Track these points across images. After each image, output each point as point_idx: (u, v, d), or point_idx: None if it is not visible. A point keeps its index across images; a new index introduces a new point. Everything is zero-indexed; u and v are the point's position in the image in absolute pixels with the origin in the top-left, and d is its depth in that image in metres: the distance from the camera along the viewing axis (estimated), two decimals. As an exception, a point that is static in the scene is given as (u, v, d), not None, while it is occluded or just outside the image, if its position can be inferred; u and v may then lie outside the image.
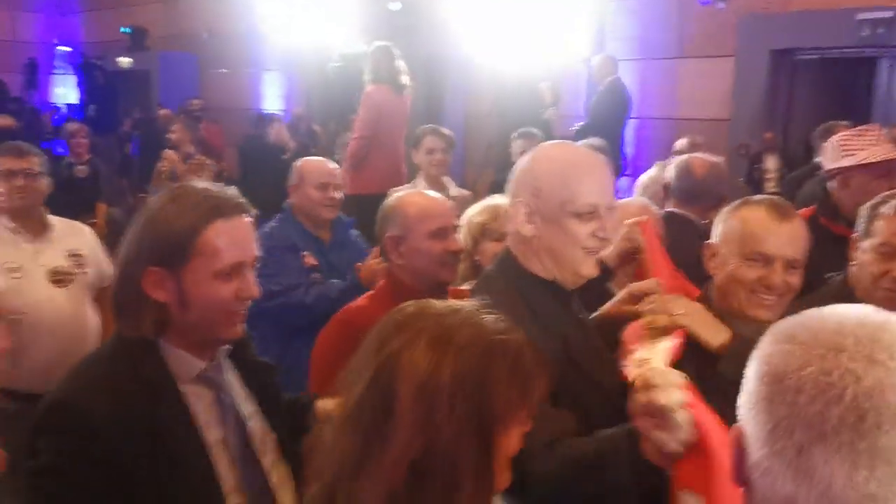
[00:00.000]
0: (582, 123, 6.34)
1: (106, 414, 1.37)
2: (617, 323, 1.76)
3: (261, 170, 7.27)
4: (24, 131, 9.07)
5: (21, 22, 14.05)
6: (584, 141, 4.02)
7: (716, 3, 7.93)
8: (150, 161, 6.26)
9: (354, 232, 3.53)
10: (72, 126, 6.91)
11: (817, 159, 4.52)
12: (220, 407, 1.54)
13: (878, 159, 2.80)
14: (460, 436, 1.05)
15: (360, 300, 2.44)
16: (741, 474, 0.85)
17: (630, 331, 1.70)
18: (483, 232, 2.56)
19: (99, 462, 1.35)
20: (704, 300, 1.85)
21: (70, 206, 4.74)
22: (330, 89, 6.47)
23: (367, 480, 1.05)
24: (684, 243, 2.48)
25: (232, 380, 1.61)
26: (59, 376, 3.04)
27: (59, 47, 14.17)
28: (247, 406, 1.61)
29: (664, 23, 8.49)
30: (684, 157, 3.30)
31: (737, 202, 1.91)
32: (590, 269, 1.70)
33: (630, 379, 1.37)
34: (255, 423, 1.60)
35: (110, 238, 7.44)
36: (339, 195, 3.37)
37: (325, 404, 1.56)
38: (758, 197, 1.92)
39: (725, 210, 1.91)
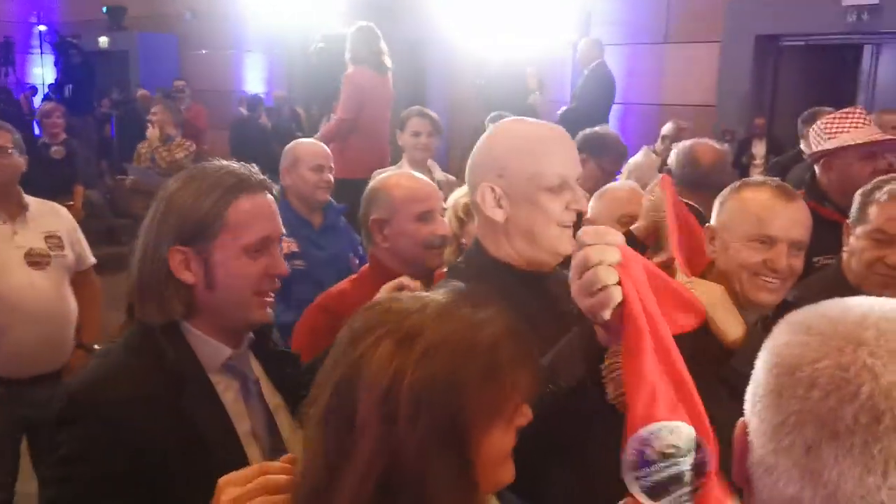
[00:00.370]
0: (566, 108, 6.29)
1: (131, 401, 1.33)
2: None
3: (253, 152, 7.21)
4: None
5: (-2, 0, 13.80)
6: (592, 129, 3.87)
7: (702, -13, 7.92)
8: (129, 142, 6.16)
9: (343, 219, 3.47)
10: (47, 106, 6.75)
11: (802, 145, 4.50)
12: (247, 397, 1.49)
13: (862, 141, 2.78)
14: (427, 447, 0.96)
15: (342, 284, 2.38)
16: (742, 472, 0.78)
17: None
18: (469, 213, 2.50)
19: (125, 451, 1.30)
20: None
21: (46, 187, 4.62)
22: (312, 71, 6.37)
23: (334, 499, 0.97)
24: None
25: (257, 369, 1.55)
26: (39, 361, 2.95)
27: (36, 26, 13.93)
28: (272, 398, 1.55)
29: (650, 8, 8.46)
30: (687, 143, 3.21)
31: (736, 184, 1.85)
32: (567, 246, 1.59)
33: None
34: (282, 416, 1.54)
35: (88, 221, 7.35)
36: (332, 178, 3.33)
37: None
38: (758, 178, 1.86)
39: (725, 192, 1.85)
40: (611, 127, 7.74)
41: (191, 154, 5.87)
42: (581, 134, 3.81)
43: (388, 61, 5.14)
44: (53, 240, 3.08)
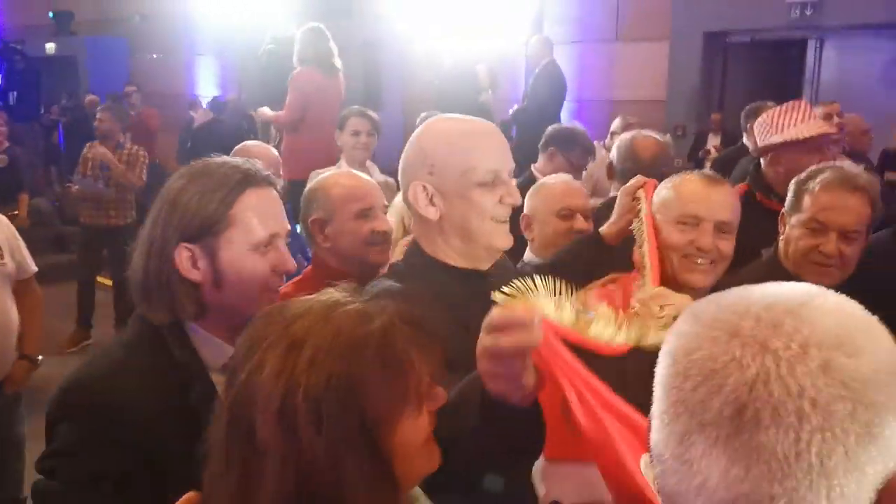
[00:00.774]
0: (518, 107, 6.31)
1: (131, 394, 1.29)
2: None
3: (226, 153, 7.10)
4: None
5: (-61, 6, 13.41)
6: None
7: (651, -14, 8.02)
8: (78, 149, 6.00)
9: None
10: (-13, 114, 6.58)
11: (745, 139, 4.57)
12: None
13: (808, 135, 2.82)
14: (337, 453, 0.94)
15: (286, 287, 2.34)
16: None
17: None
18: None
19: (123, 446, 1.26)
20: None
21: (-12, 196, 4.50)
22: (262, 73, 6.30)
23: None
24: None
25: None
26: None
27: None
28: None
29: (601, 6, 8.55)
30: (628, 136, 3.17)
31: (672, 176, 1.91)
32: (503, 241, 1.60)
33: None
34: None
35: (35, 229, 7.18)
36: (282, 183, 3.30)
37: None
38: (690, 172, 1.91)
39: (663, 184, 1.90)
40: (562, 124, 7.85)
41: (146, 166, 5.76)
42: (550, 129, 3.89)
43: (337, 62, 5.10)
44: (-8, 249, 3.00)
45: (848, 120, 5.14)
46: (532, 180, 3.63)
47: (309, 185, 2.35)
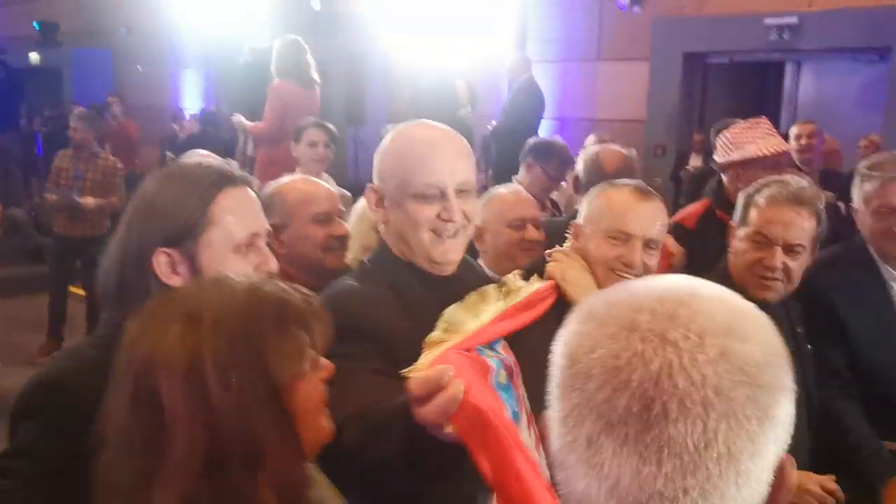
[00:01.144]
0: (496, 123, 6.34)
1: (100, 392, 1.23)
2: None
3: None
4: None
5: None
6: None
7: (632, 7, 8.09)
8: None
9: None
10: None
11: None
12: None
13: (767, 153, 2.86)
14: (247, 409, 0.98)
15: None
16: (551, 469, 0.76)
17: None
18: None
19: (86, 447, 1.24)
20: None
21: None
22: (240, 85, 6.31)
23: (157, 497, 0.95)
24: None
25: None
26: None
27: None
28: None
29: (584, 26, 8.62)
30: (593, 149, 3.23)
31: (602, 184, 1.92)
32: (440, 255, 1.56)
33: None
34: None
35: (12, 240, 7.13)
36: None
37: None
38: (623, 180, 1.92)
39: (592, 191, 1.92)
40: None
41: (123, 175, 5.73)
42: (530, 140, 3.95)
43: (315, 75, 5.11)
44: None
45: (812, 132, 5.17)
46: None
47: (265, 191, 2.35)
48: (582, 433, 0.69)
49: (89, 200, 5.34)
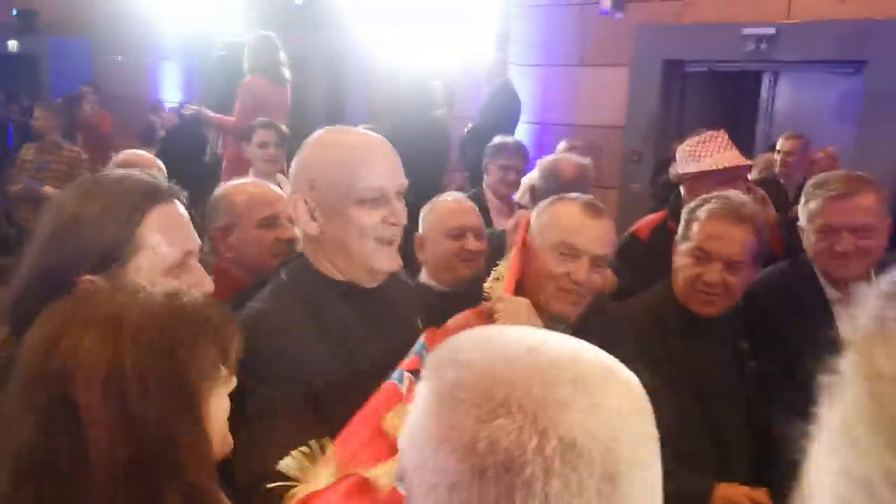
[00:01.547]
0: (472, 125, 6.34)
1: None
2: None
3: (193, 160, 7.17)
4: None
5: None
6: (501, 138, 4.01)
7: (614, 13, 8.10)
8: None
9: None
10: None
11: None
12: None
13: (721, 166, 2.86)
14: (166, 415, 0.99)
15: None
16: None
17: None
18: None
19: None
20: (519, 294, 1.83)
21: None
22: (213, 80, 6.27)
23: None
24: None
25: None
26: None
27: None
28: None
29: (565, 31, 8.62)
30: (549, 158, 3.28)
31: (552, 198, 1.91)
32: (385, 263, 1.54)
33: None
34: None
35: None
36: None
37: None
38: (572, 195, 1.91)
39: (541, 204, 1.91)
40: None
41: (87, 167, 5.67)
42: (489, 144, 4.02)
43: (287, 72, 5.10)
44: None
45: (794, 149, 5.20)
46: (481, 197, 3.67)
47: (214, 193, 2.33)
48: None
49: (49, 190, 5.29)
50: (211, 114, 5.19)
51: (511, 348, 0.71)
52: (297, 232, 2.30)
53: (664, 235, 2.90)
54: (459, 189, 6.13)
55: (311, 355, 1.44)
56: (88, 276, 1.25)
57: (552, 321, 1.80)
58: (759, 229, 2.04)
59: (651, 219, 3.12)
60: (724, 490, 1.93)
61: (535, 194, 3.21)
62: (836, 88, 7.57)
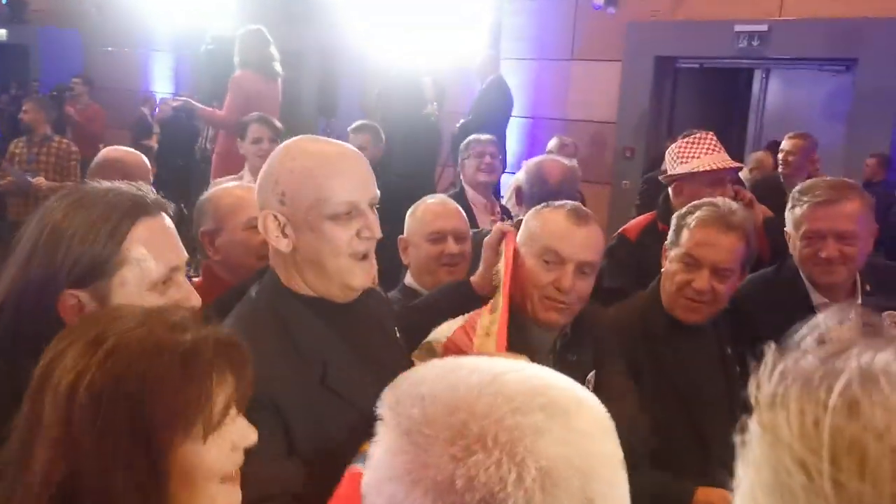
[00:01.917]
0: (463, 121, 6.34)
1: None
2: None
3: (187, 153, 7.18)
4: None
5: None
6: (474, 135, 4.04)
7: (606, 8, 8.09)
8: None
9: None
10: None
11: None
12: None
13: (708, 168, 2.87)
14: (107, 452, 0.92)
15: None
16: None
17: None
18: None
19: None
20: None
21: None
22: (203, 73, 6.25)
23: None
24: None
25: None
26: None
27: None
28: None
29: (558, 25, 8.62)
30: (535, 160, 3.22)
31: (540, 205, 1.91)
32: (359, 279, 1.48)
33: None
34: None
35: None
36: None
37: None
38: (560, 202, 1.91)
39: (530, 212, 1.90)
40: (515, 140, 7.89)
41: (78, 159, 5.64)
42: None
43: (278, 67, 5.08)
44: None
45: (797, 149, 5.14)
46: (462, 196, 3.66)
47: (201, 196, 2.32)
48: None
49: (42, 181, 5.27)
50: (199, 106, 5.14)
51: (475, 378, 0.70)
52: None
53: (653, 236, 2.91)
54: (451, 184, 6.13)
55: (280, 376, 1.38)
56: (71, 291, 1.23)
57: (540, 331, 1.80)
58: (749, 236, 2.05)
59: (640, 219, 3.12)
60: (705, 494, 1.95)
61: (522, 196, 3.19)
62: (826, 86, 7.61)
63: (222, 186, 2.34)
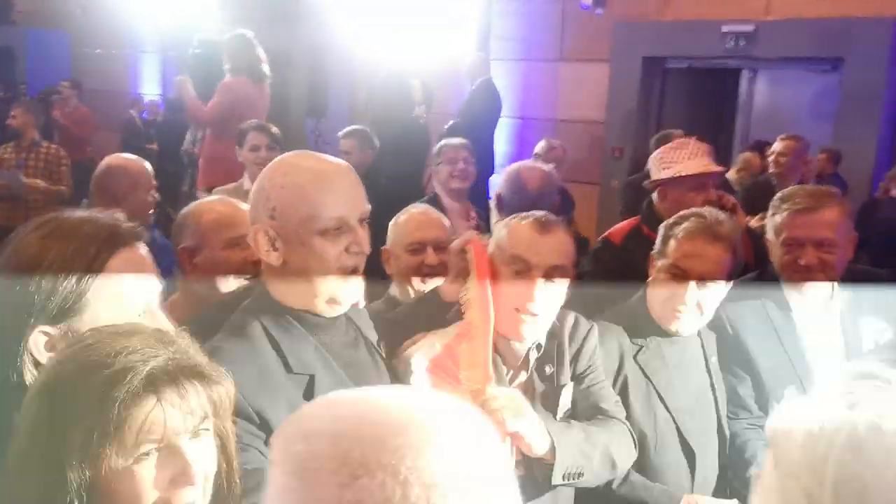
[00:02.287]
0: (452, 122, 6.33)
1: None
2: None
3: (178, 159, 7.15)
4: None
5: None
6: (446, 140, 4.01)
7: (594, 8, 8.10)
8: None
9: None
10: None
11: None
12: None
13: (691, 173, 2.88)
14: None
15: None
16: None
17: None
18: None
19: None
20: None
21: None
22: (191, 77, 6.23)
23: None
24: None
25: None
26: None
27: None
28: None
29: (546, 26, 8.62)
30: (514, 167, 3.19)
31: (508, 218, 1.90)
32: (348, 294, 1.51)
33: None
34: None
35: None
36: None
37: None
38: (527, 213, 1.88)
39: (498, 225, 1.90)
40: (503, 141, 7.90)
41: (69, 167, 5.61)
42: None
43: (265, 69, 5.06)
44: None
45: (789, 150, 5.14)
46: (438, 201, 3.66)
47: (181, 211, 2.29)
48: None
49: (38, 182, 5.22)
50: (192, 93, 5.05)
51: (356, 409, 0.72)
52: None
53: (638, 240, 2.92)
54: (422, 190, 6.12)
55: (268, 389, 1.41)
56: (42, 329, 1.20)
57: (511, 343, 1.80)
58: (736, 247, 2.05)
59: (624, 224, 3.13)
60: (692, 501, 1.96)
61: (501, 202, 3.18)
62: (813, 86, 7.63)
63: (205, 200, 2.32)
